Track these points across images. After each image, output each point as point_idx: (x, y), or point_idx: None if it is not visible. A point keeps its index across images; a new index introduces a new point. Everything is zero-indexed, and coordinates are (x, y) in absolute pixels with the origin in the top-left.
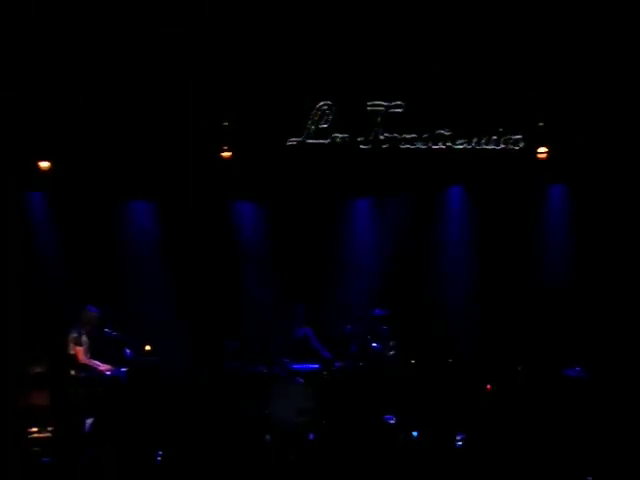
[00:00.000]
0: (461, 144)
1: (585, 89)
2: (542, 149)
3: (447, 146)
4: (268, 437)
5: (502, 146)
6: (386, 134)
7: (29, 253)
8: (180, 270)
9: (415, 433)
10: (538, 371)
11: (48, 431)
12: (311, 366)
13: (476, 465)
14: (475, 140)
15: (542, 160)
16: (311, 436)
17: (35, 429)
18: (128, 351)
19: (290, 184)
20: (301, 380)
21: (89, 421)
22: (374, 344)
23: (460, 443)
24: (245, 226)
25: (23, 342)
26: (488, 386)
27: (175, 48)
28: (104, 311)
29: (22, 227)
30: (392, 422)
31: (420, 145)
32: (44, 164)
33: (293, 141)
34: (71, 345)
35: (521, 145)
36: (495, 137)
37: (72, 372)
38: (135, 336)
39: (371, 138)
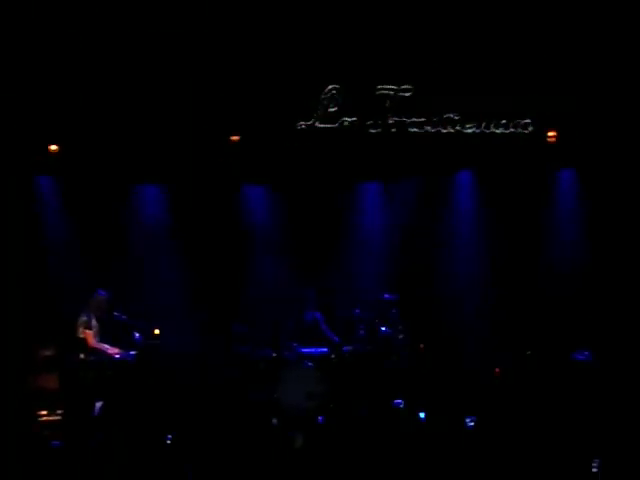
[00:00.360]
0: (470, 128)
1: (595, 72)
2: (551, 133)
3: (456, 130)
4: (275, 421)
5: (511, 130)
6: (395, 118)
7: (38, 237)
8: (189, 254)
9: (422, 415)
10: (547, 355)
11: (58, 414)
12: (320, 350)
13: (484, 447)
14: (484, 124)
15: (551, 144)
16: (320, 420)
17: (45, 412)
18: (137, 335)
19: (299, 168)
20: (310, 364)
21: (98, 404)
22: (383, 328)
23: (471, 424)
24: (254, 210)
25: (28, 327)
26: (497, 370)
27: (185, 32)
28: (113, 295)
29: (25, 214)
30: (401, 407)
31: (429, 129)
32: (53, 147)
33: (302, 125)
34: (80, 329)
35: (530, 129)
36: (504, 121)
37: (81, 356)
38: (144, 320)
39: (380, 122)
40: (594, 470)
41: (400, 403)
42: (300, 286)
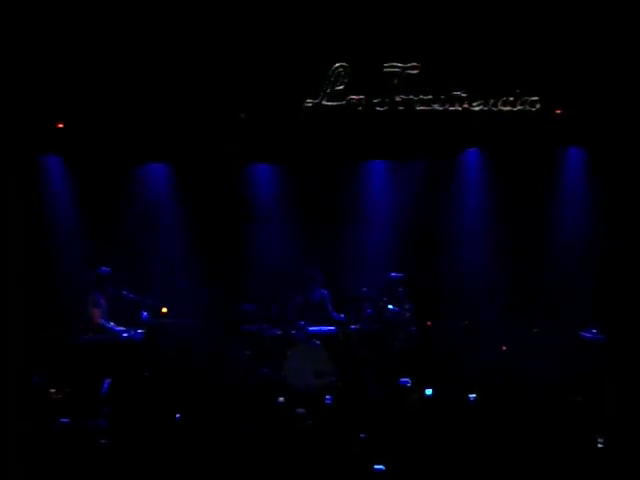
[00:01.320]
0: (477, 106)
1: (602, 49)
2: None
3: (464, 108)
4: (282, 399)
5: (519, 107)
6: (402, 96)
7: (43, 216)
8: (196, 233)
9: (429, 391)
10: (554, 333)
11: (66, 392)
12: (327, 329)
13: (489, 422)
14: (492, 101)
15: (558, 118)
16: (328, 399)
17: (53, 390)
18: (145, 313)
19: (306, 146)
20: (318, 342)
21: (107, 383)
22: (390, 307)
23: (473, 397)
24: (261, 188)
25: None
26: (503, 347)
27: (191, 10)
28: (121, 274)
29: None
30: (408, 385)
31: (436, 107)
32: (59, 125)
33: (309, 103)
34: (89, 307)
35: (538, 106)
36: (512, 98)
37: (89, 334)
38: (152, 299)
39: (387, 100)
40: (599, 446)
41: (407, 382)
42: (307, 265)
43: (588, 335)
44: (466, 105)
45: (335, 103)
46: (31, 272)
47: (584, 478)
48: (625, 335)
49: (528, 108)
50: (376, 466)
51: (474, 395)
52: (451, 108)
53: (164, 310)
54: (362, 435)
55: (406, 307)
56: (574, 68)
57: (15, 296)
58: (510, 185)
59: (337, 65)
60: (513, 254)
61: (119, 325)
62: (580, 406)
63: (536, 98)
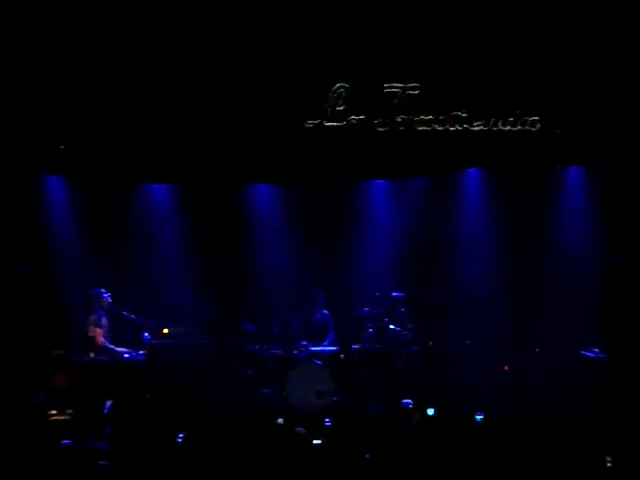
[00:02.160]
0: (478, 126)
1: (603, 69)
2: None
3: (464, 128)
4: (281, 420)
5: (519, 127)
6: (403, 116)
7: (46, 236)
8: (198, 253)
9: (431, 411)
10: (556, 353)
11: (67, 414)
12: (329, 349)
13: (494, 442)
14: (492, 122)
15: (558, 138)
16: (328, 422)
17: (55, 412)
18: (146, 334)
19: (307, 166)
20: (319, 362)
21: (108, 404)
22: (391, 326)
23: (479, 418)
24: (263, 209)
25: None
26: (506, 367)
27: (192, 30)
28: (121, 294)
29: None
30: (410, 406)
31: (437, 127)
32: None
33: (310, 123)
34: (90, 327)
35: (538, 126)
36: (512, 119)
37: (91, 355)
38: (153, 319)
39: (388, 120)
40: (608, 465)
41: (409, 403)
42: (308, 285)
43: (590, 354)
44: (466, 125)
45: (336, 123)
46: (33, 292)
47: None
48: (627, 354)
49: (528, 128)
50: None
51: (481, 416)
52: (451, 128)
53: (165, 331)
54: (366, 456)
55: (408, 327)
56: (574, 88)
57: (15, 318)
58: (510, 204)
59: (338, 85)
60: (514, 273)
61: (120, 346)
62: (583, 426)
63: (536, 118)
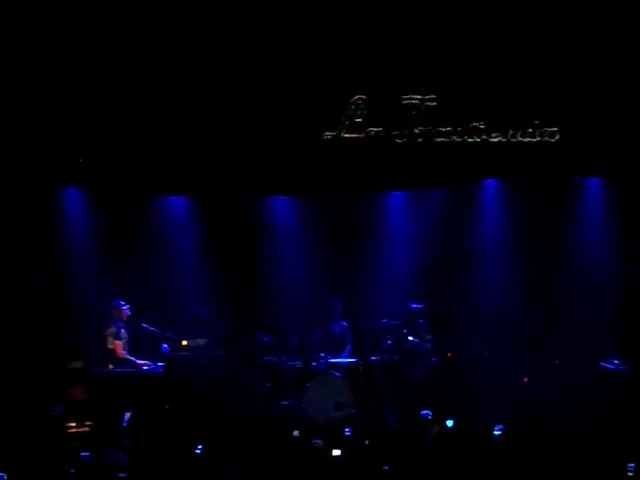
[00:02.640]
0: (496, 137)
1: (621, 81)
2: None
3: (482, 139)
4: (297, 433)
5: (537, 139)
6: (421, 128)
7: (64, 248)
8: (215, 264)
9: (449, 423)
10: (575, 364)
11: (86, 426)
12: (348, 360)
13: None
14: (510, 133)
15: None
16: (347, 431)
17: (74, 424)
18: (165, 346)
19: (325, 178)
20: (338, 374)
21: (127, 415)
22: (410, 338)
23: (498, 433)
24: (280, 220)
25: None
26: (525, 379)
27: (211, 41)
28: (140, 306)
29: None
30: (429, 417)
31: (455, 138)
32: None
33: (328, 135)
34: (110, 339)
35: (557, 137)
36: (530, 130)
37: (110, 367)
38: (172, 331)
39: (406, 132)
40: (629, 474)
41: (428, 414)
42: (326, 296)
43: (610, 366)
44: (485, 136)
45: (354, 135)
46: (51, 304)
47: None
48: None
49: (547, 139)
50: None
51: (500, 430)
52: (470, 140)
53: (184, 343)
54: (385, 468)
55: (427, 338)
56: (593, 99)
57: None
58: (529, 216)
59: (356, 97)
60: (532, 284)
61: (139, 358)
62: (602, 437)
63: (555, 129)
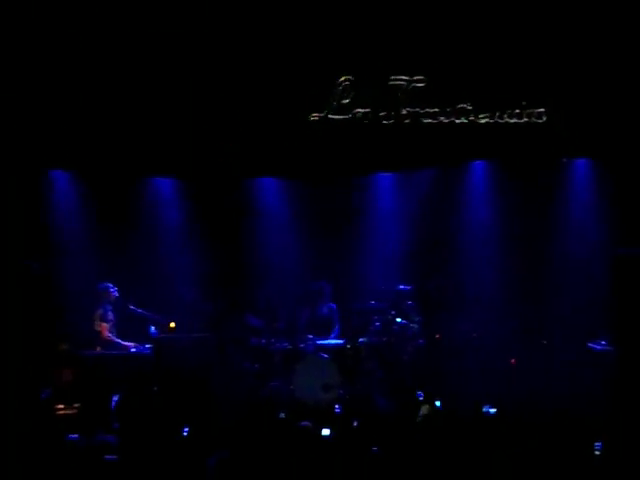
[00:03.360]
0: (484, 118)
1: (609, 61)
2: None
3: (470, 120)
4: (283, 415)
5: (525, 120)
6: (408, 109)
7: (52, 231)
8: (203, 247)
9: (438, 404)
10: (564, 345)
11: (74, 408)
12: (336, 342)
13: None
14: (498, 114)
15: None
16: (337, 408)
17: (61, 406)
18: (153, 328)
19: (312, 160)
20: (326, 356)
21: (115, 398)
22: (398, 319)
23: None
24: (268, 202)
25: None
26: (512, 360)
27: (197, 24)
28: (128, 288)
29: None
30: (421, 398)
31: (443, 119)
32: None
33: (315, 116)
34: (97, 322)
35: (544, 118)
36: (518, 111)
37: (98, 349)
38: (160, 313)
39: (393, 113)
40: (596, 453)
41: (421, 395)
42: (314, 278)
43: (597, 347)
44: (472, 118)
45: (341, 116)
46: (38, 287)
47: None
48: (634, 346)
49: (534, 120)
50: None
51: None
52: (457, 121)
53: (172, 325)
54: (374, 449)
55: (415, 320)
56: (580, 79)
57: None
58: (516, 197)
59: (343, 78)
60: (521, 266)
61: (127, 340)
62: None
63: (542, 110)
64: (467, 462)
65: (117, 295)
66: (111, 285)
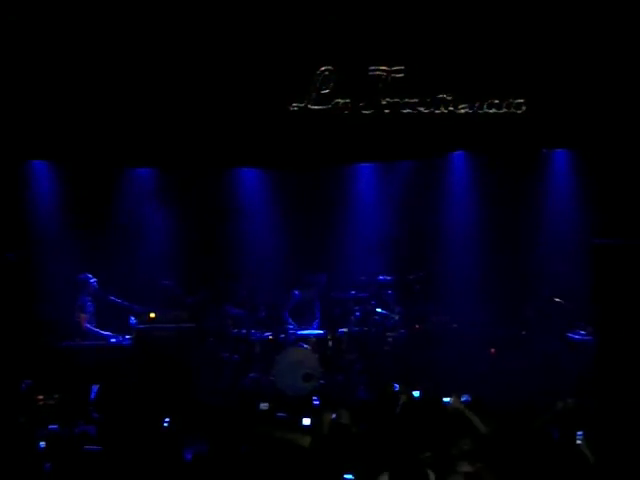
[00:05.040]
0: (463, 109)
1: (588, 52)
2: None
3: (449, 111)
4: (265, 405)
5: (504, 110)
6: (388, 99)
7: (30, 221)
8: (185, 237)
9: (416, 394)
10: (543, 335)
11: (54, 398)
12: (316, 332)
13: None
14: (477, 104)
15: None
16: (315, 399)
17: (42, 397)
18: (132, 319)
19: (292, 149)
20: (306, 346)
21: (95, 388)
22: (378, 310)
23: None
24: (248, 192)
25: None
26: (492, 350)
27: (177, 14)
28: (108, 279)
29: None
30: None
31: (422, 110)
32: None
33: (295, 106)
34: (76, 312)
35: (523, 109)
36: (497, 101)
37: (77, 339)
38: (140, 304)
39: (373, 103)
40: (578, 442)
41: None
42: (295, 268)
43: (576, 337)
44: (452, 108)
45: (321, 107)
46: (17, 278)
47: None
48: (614, 336)
49: (513, 110)
50: (346, 475)
51: (466, 397)
52: (437, 111)
53: (152, 315)
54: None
55: (395, 310)
56: (559, 70)
57: None
58: (496, 187)
59: (323, 69)
60: (501, 256)
61: (107, 331)
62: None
63: (521, 100)
64: (444, 449)
65: (96, 286)
66: (90, 276)
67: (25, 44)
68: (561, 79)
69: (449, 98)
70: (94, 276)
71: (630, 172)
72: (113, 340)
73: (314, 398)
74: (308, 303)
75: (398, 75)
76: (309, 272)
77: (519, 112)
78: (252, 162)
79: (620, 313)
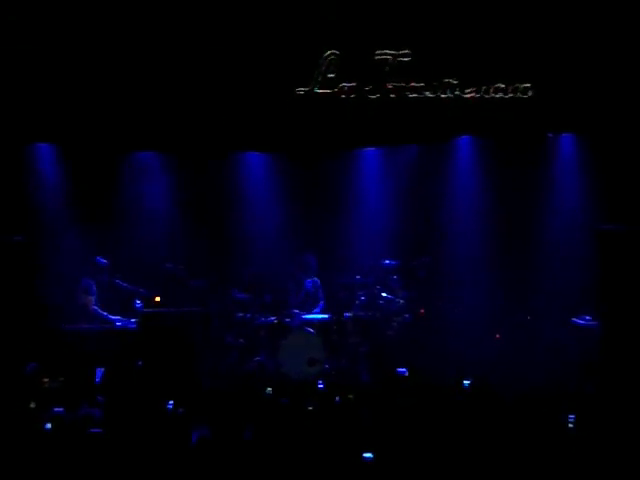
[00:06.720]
0: (469, 93)
1: (594, 36)
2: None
3: (455, 95)
4: (269, 390)
5: (511, 95)
6: (394, 83)
7: (36, 203)
8: (189, 221)
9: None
10: (548, 320)
11: (60, 381)
12: (321, 316)
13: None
14: (484, 89)
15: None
16: (320, 385)
17: (47, 379)
18: (138, 302)
19: (298, 134)
20: (311, 330)
21: (100, 372)
22: (383, 294)
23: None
24: (253, 176)
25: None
26: (497, 335)
27: (179, 4)
28: (114, 263)
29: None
30: (404, 374)
31: (428, 94)
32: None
33: (301, 91)
34: (82, 295)
35: (530, 93)
36: (504, 85)
37: (82, 322)
38: (145, 288)
39: (379, 87)
40: (570, 426)
41: (405, 372)
42: (300, 252)
43: (581, 322)
44: (458, 92)
45: (327, 91)
46: (22, 261)
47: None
48: (619, 321)
49: (520, 95)
50: (365, 454)
51: (468, 382)
52: (443, 95)
53: (157, 299)
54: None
55: (400, 295)
56: (566, 54)
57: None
58: (503, 172)
59: (328, 53)
60: (507, 241)
61: (112, 314)
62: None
63: (528, 85)
64: (448, 433)
65: (102, 269)
66: (97, 259)
67: (30, 28)
68: (568, 64)
69: (455, 82)
70: (100, 259)
71: (637, 157)
72: (119, 324)
73: (319, 382)
74: (306, 287)
75: (404, 59)
76: (298, 255)
77: (525, 97)
78: (257, 146)
79: (625, 299)
